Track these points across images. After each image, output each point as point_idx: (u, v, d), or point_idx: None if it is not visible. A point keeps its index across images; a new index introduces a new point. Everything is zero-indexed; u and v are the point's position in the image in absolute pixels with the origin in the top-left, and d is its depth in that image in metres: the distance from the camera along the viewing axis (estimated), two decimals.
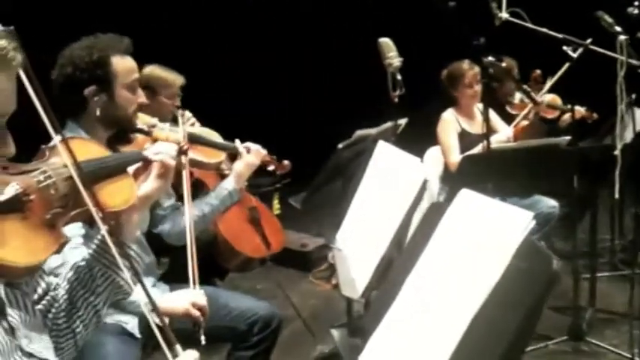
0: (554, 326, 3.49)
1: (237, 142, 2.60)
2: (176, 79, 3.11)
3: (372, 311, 1.72)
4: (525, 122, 3.92)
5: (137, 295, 2.10)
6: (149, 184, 1.63)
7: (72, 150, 1.31)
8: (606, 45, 3.07)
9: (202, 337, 2.04)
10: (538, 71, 4.01)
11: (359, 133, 3.42)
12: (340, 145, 3.23)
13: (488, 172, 2.99)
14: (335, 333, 1.69)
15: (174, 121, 3.25)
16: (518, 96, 4.36)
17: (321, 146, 3.63)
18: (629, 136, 3.69)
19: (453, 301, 1.40)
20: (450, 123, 4.04)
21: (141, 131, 2.21)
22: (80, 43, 2.11)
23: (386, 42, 3.42)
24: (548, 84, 3.75)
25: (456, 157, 3.90)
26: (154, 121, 2.33)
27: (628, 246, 4.32)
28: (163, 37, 5.09)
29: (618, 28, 2.93)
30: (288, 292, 3.83)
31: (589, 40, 3.22)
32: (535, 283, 1.22)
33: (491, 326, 1.29)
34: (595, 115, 3.99)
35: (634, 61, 2.38)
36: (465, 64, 3.98)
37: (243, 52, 5.98)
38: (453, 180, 3.92)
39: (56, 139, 1.31)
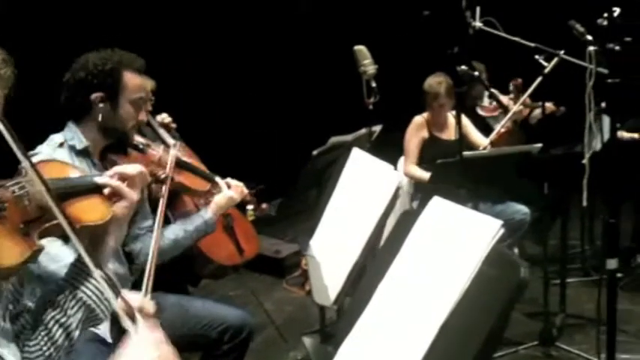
0: (525, 331, 3.53)
1: (219, 178, 2.61)
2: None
3: (343, 318, 1.72)
4: (503, 130, 3.97)
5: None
6: (118, 204, 1.61)
7: (41, 168, 1.40)
8: (581, 55, 3.10)
9: None
10: (519, 80, 4.06)
11: (333, 139, 3.43)
12: (315, 152, 3.23)
13: (461, 178, 3.02)
14: (307, 340, 1.69)
15: (149, 125, 3.25)
16: (486, 99, 4.43)
17: (296, 153, 3.63)
18: (599, 144, 3.75)
19: (423, 307, 1.41)
20: (417, 128, 4.10)
21: (136, 148, 2.30)
22: (97, 53, 2.20)
23: (360, 49, 3.44)
24: (525, 94, 3.78)
25: (409, 163, 4.04)
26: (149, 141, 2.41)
27: (598, 252, 4.38)
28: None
29: (589, 37, 2.98)
30: (261, 298, 3.81)
31: (562, 51, 3.26)
32: (503, 289, 1.24)
33: (460, 332, 1.30)
34: (562, 109, 4.05)
35: (603, 70, 2.41)
36: (436, 83, 4.03)
37: (217, 59, 5.96)
38: (427, 186, 3.96)
39: (24, 162, 1.38)
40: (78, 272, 1.48)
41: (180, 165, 2.39)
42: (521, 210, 3.93)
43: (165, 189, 2.22)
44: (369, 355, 1.51)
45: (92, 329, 2.14)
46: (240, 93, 6.08)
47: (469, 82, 4.25)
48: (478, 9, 3.49)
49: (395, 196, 2.11)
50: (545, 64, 3.28)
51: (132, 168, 1.63)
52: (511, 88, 4.19)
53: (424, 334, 1.36)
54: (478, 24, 3.49)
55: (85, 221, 1.49)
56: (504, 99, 4.25)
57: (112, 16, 4.90)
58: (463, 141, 3.04)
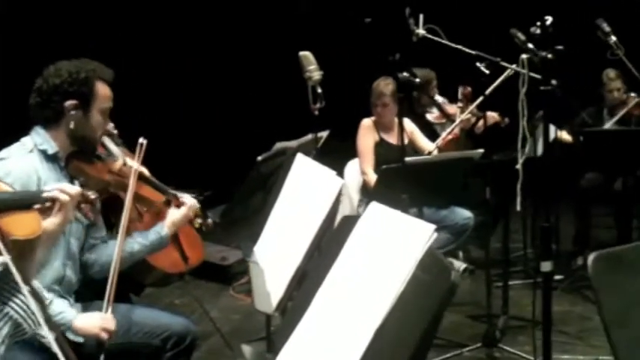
0: (469, 334, 3.60)
1: (176, 192, 2.62)
2: None
3: (284, 325, 1.72)
4: (450, 137, 4.04)
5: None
6: (50, 220, 1.70)
7: None
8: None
9: (101, 358, 2.14)
10: (469, 88, 4.12)
11: (279, 145, 3.43)
12: (259, 158, 3.23)
13: (405, 184, 3.05)
14: (245, 348, 1.68)
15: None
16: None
17: (241, 159, 3.62)
18: (539, 149, 3.86)
19: (360, 312, 1.42)
20: (367, 130, 4.12)
21: (98, 157, 2.34)
22: (70, 62, 2.26)
23: (306, 55, 3.45)
24: (473, 105, 3.84)
25: (366, 165, 4.01)
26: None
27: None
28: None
29: (530, 46, 3.04)
30: (207, 306, 3.77)
31: (513, 63, 3.30)
32: (435, 293, 1.25)
33: (394, 335, 1.31)
34: (507, 120, 4.13)
35: (536, 76, 2.48)
36: (384, 84, 4.07)
37: (163, 62, 5.91)
38: (373, 191, 3.98)
39: None
40: (4, 287, 1.46)
41: (140, 177, 2.41)
42: (464, 215, 4.00)
43: (127, 200, 2.28)
44: None
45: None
46: (185, 98, 6.03)
47: (419, 88, 4.34)
48: (421, 17, 3.54)
49: (336, 202, 2.12)
50: (485, 71, 3.34)
51: (73, 188, 1.74)
52: (460, 96, 4.27)
53: (360, 338, 1.37)
54: (421, 31, 3.55)
55: (16, 235, 1.52)
56: (452, 107, 4.32)
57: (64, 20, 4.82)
58: (405, 146, 3.07)
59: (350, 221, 1.67)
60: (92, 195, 2.03)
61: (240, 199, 3.32)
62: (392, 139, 4.18)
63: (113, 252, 2.37)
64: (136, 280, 3.22)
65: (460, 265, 4.59)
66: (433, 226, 1.37)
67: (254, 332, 3.53)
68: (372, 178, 4.01)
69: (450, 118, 3.99)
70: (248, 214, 3.35)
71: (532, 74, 2.60)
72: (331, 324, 1.50)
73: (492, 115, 4.13)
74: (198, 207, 2.65)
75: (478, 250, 4.50)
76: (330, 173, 2.28)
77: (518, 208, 2.80)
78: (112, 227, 2.54)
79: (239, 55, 6.21)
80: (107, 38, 5.44)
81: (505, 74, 3.40)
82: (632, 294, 1.10)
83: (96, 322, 2.18)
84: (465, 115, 3.95)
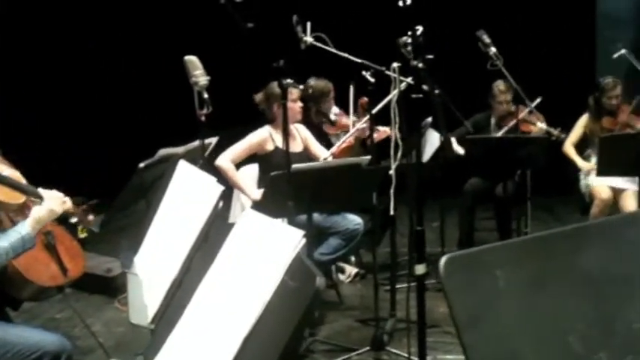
0: (358, 337, 3.64)
1: (40, 189, 2.43)
2: None
3: (154, 337, 1.66)
4: (345, 145, 4.07)
5: None
6: None
7: None
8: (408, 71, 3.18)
9: None
10: (365, 99, 4.16)
11: (162, 151, 3.34)
12: (142, 165, 3.13)
13: (293, 190, 3.05)
14: None
15: None
16: (333, 116, 4.53)
17: (124, 165, 3.50)
18: (426, 155, 3.98)
19: (229, 321, 1.39)
20: (262, 138, 4.00)
21: None
22: None
23: (191, 60, 3.39)
24: (371, 112, 3.87)
25: (229, 156, 3.85)
26: None
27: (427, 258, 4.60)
28: None
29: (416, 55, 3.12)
30: (91, 319, 3.62)
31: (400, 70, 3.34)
32: (301, 299, 1.25)
33: (261, 344, 1.29)
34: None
35: (409, 81, 2.55)
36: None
37: (41, 66, 5.65)
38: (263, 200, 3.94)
39: None
40: None
41: None
42: (354, 220, 4.04)
43: None
44: None
45: None
46: (66, 101, 5.79)
47: (315, 100, 4.36)
48: (309, 24, 3.57)
49: (215, 209, 2.07)
50: (371, 79, 3.39)
51: None
52: (352, 107, 4.32)
53: (228, 347, 1.34)
54: (309, 39, 3.57)
55: None
56: (348, 119, 4.37)
57: None
58: (290, 153, 3.07)
59: (225, 229, 1.64)
60: None
61: (119, 208, 3.21)
62: (290, 146, 4.12)
63: None
64: (11, 295, 3.04)
65: (351, 269, 4.66)
66: (302, 232, 1.36)
67: (139, 346, 3.39)
68: (223, 164, 3.78)
69: (344, 129, 4.03)
70: (130, 223, 3.24)
71: (407, 80, 2.67)
72: (201, 334, 1.46)
73: (384, 130, 4.21)
74: (70, 204, 2.46)
75: (369, 255, 4.57)
76: (210, 180, 2.23)
77: (392, 212, 2.86)
78: None
79: (122, 58, 6.03)
80: None
81: (396, 91, 3.47)
82: (484, 295, 1.13)
83: None
84: (361, 125, 4.01)
